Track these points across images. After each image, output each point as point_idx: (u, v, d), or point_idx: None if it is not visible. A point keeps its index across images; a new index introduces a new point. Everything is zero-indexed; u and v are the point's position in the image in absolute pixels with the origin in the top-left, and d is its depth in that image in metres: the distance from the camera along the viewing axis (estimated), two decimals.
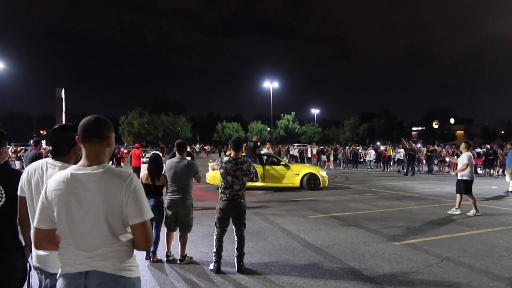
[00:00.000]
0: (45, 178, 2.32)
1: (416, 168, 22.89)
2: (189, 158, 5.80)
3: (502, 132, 77.58)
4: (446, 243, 6.56)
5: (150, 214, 1.94)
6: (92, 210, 1.87)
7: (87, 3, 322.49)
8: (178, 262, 5.38)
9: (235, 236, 5.14)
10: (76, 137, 2.01)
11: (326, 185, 14.61)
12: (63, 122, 62.01)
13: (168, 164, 5.48)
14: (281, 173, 14.49)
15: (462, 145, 9.92)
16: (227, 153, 13.37)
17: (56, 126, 2.48)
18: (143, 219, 1.90)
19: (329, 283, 4.70)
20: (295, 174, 14.48)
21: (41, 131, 67.08)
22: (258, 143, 14.39)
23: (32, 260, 2.40)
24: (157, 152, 6.49)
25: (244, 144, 11.82)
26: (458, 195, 9.54)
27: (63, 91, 61.61)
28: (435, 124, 78.77)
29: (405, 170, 22.18)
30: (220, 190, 5.13)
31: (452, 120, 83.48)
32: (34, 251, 2.35)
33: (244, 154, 14.94)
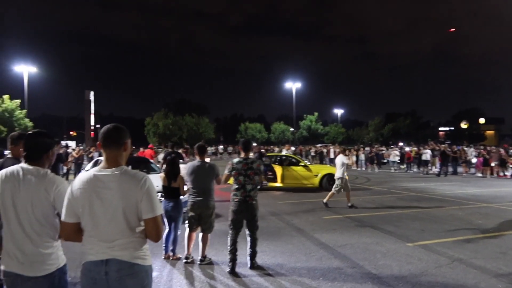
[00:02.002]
0: (21, 182, 2.39)
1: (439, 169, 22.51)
2: (208, 160, 5.99)
3: None
4: (460, 245, 6.57)
5: (160, 210, 2.24)
6: (112, 206, 2.16)
7: (113, 8, 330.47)
8: (198, 262, 5.54)
9: (248, 237, 5.33)
10: (97, 142, 2.32)
11: None
12: (92, 123, 63.68)
13: (189, 168, 5.62)
14: (300, 174, 14.63)
15: None
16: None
17: (29, 132, 2.55)
18: (154, 214, 2.19)
19: (337, 282, 4.85)
20: (314, 174, 14.60)
21: (71, 132, 69.46)
22: (262, 155, 14.82)
23: (2, 266, 2.41)
24: (174, 153, 6.77)
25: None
26: None
27: (92, 94, 63.69)
28: (464, 124, 76.57)
29: (438, 171, 21.82)
30: (232, 192, 5.32)
31: (482, 120, 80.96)
32: (4, 256, 2.39)
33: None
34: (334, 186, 10.84)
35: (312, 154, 33.58)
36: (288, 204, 11.28)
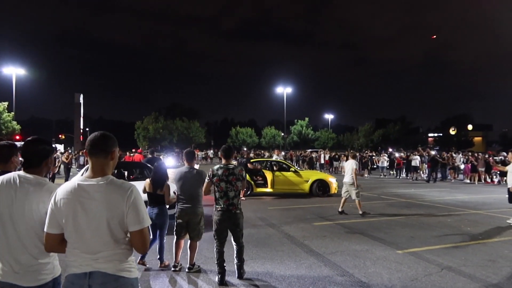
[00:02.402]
0: (18, 191, 2.33)
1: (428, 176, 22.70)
2: (197, 167, 5.90)
3: None
4: (449, 252, 6.58)
5: (148, 222, 2.17)
6: (96, 217, 2.09)
7: (105, 11, 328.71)
8: (186, 270, 5.45)
9: (234, 245, 5.17)
10: (84, 150, 2.25)
11: (336, 191, 14.66)
12: (81, 126, 63.02)
13: (177, 174, 5.55)
14: (290, 180, 14.61)
15: (510, 155, 10.01)
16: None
17: (28, 139, 2.48)
18: (141, 227, 2.13)
19: None
20: (305, 180, 14.59)
21: (60, 135, 68.69)
22: (251, 159, 14.81)
23: None
24: (152, 159, 6.66)
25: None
26: None
27: (81, 97, 63.13)
28: (452, 131, 77.48)
29: (428, 177, 22.02)
30: (215, 202, 5.14)
31: (470, 127, 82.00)
32: (0, 265, 2.33)
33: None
34: (344, 191, 10.69)
35: (301, 159, 33.51)
36: (278, 210, 11.22)
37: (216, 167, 5.15)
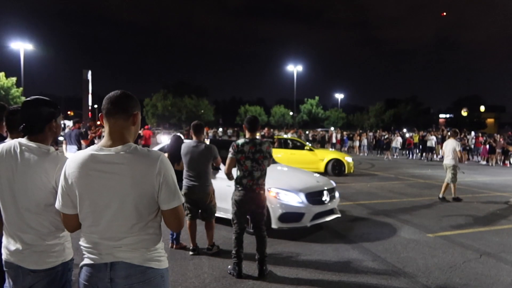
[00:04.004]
0: (19, 162, 1.97)
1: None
2: (207, 142, 5.42)
3: None
4: (483, 236, 6.16)
5: (182, 197, 1.80)
6: (118, 196, 1.68)
7: None
8: (206, 251, 5.09)
9: (255, 235, 4.52)
10: (100, 114, 1.82)
11: (352, 171, 14.23)
12: (89, 103, 62.98)
13: (184, 149, 5.07)
14: (305, 158, 14.18)
15: None
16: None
17: (27, 99, 2.09)
18: (178, 203, 1.76)
19: (362, 277, 4.43)
20: (320, 159, 14.15)
21: (68, 112, 68.66)
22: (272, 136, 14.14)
23: (3, 255, 2.07)
24: (178, 134, 6.21)
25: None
26: None
27: (89, 73, 62.57)
28: (464, 112, 76.15)
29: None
30: (236, 180, 4.46)
31: (482, 108, 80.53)
32: (4, 243, 2.04)
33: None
34: (450, 176, 9.33)
35: (310, 138, 32.76)
36: None
37: (240, 141, 4.40)
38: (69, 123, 44.34)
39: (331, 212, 6.28)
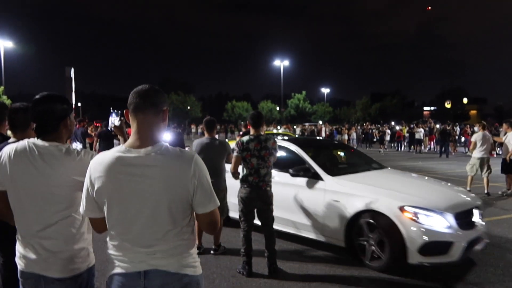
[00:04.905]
0: (39, 164, 1.83)
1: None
2: (218, 137, 5.32)
3: None
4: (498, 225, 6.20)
5: (218, 200, 1.71)
6: (151, 200, 1.57)
7: None
8: (212, 252, 4.97)
9: (264, 231, 4.46)
10: (125, 110, 1.69)
11: None
12: (73, 101, 62.09)
13: (197, 146, 5.01)
14: None
15: (505, 126, 9.39)
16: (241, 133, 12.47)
17: (37, 97, 1.95)
18: (214, 207, 1.66)
19: (372, 271, 4.39)
20: None
21: None
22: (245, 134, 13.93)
23: (19, 265, 1.91)
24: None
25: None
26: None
27: (72, 71, 61.49)
28: (448, 104, 77.39)
29: (439, 151, 21.08)
30: (242, 178, 4.41)
31: (465, 100, 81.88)
32: (21, 253, 1.89)
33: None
34: (485, 169, 9.31)
35: (299, 133, 32.89)
36: None
37: (245, 138, 4.35)
38: None
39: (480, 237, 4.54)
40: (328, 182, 4.93)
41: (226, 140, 4.43)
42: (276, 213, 4.53)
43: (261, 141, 4.32)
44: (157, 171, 1.56)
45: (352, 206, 4.58)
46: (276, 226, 4.57)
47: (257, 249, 4.61)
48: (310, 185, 5.06)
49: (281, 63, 50.64)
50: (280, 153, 5.19)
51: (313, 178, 5.05)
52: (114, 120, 2.77)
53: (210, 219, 1.67)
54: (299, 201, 5.09)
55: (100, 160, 1.62)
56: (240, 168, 4.44)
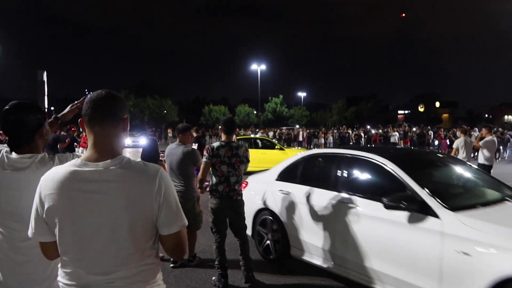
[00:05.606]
0: (12, 179, 1.71)
1: None
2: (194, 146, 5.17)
3: (486, 115, 78.68)
4: None
5: (185, 218, 1.52)
6: (109, 221, 1.38)
7: None
8: (186, 262, 4.78)
9: (237, 240, 4.29)
10: (80, 120, 1.51)
11: None
12: (46, 106, 60.43)
13: (166, 151, 4.92)
14: (276, 157, 14.08)
15: (484, 131, 9.51)
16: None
17: (8, 107, 1.78)
18: (181, 227, 1.49)
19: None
20: None
21: None
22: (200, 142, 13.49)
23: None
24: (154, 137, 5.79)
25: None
26: None
27: (45, 74, 59.87)
28: (421, 108, 79.45)
29: None
30: (211, 187, 4.22)
31: (437, 104, 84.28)
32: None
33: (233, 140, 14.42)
34: None
35: (277, 137, 32.69)
36: None
37: (216, 144, 4.20)
38: None
39: None
40: (448, 220, 3.10)
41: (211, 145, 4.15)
42: (354, 257, 3.73)
43: (232, 148, 4.17)
44: (117, 187, 1.39)
45: (495, 267, 2.70)
46: (350, 274, 3.88)
47: (233, 259, 4.47)
48: (415, 223, 3.30)
49: (258, 67, 50.70)
50: (366, 172, 4.26)
51: (421, 212, 3.30)
52: None
53: (176, 241, 1.48)
54: (395, 246, 3.46)
55: (52, 176, 1.43)
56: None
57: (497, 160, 19.96)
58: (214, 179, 4.18)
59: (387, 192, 3.52)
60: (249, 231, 4.91)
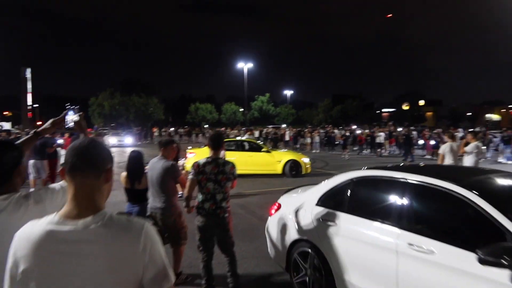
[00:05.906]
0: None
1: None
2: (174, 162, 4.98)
3: (469, 114, 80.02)
4: None
5: (173, 276, 1.44)
6: (90, 285, 1.29)
7: None
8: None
9: (224, 256, 4.23)
10: (61, 168, 1.44)
11: (309, 171, 14.33)
12: (29, 102, 58.81)
13: (149, 164, 4.75)
14: (262, 160, 14.12)
15: (470, 136, 9.71)
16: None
17: None
18: (169, 285, 1.40)
19: None
20: (277, 161, 14.13)
21: (5, 113, 63.88)
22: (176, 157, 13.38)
23: None
24: (138, 150, 5.46)
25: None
26: None
27: (29, 71, 58.64)
28: (405, 106, 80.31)
29: (404, 155, 21.17)
30: (197, 204, 4.16)
31: (421, 102, 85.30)
32: None
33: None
34: None
35: (263, 136, 32.08)
36: (256, 195, 10.71)
37: (202, 161, 4.10)
38: (6, 125, 41.18)
39: None
40: None
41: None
42: None
43: (219, 165, 4.08)
44: (98, 248, 1.29)
45: None
46: None
47: (220, 274, 4.44)
48: None
49: (244, 65, 50.56)
50: (442, 206, 3.30)
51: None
52: (73, 117, 2.51)
53: None
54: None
55: (27, 234, 1.32)
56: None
57: (480, 161, 20.33)
58: (200, 196, 4.12)
59: (475, 236, 2.84)
60: (281, 261, 4.54)
